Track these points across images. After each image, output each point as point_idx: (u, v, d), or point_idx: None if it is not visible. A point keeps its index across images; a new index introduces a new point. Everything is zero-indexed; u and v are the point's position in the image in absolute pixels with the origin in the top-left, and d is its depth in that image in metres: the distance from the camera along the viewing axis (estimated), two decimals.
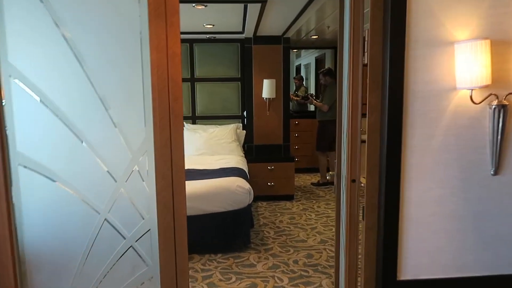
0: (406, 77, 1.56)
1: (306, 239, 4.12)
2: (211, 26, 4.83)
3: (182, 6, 3.85)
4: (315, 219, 4.72)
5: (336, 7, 4.61)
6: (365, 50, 1.67)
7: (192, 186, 3.73)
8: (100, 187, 1.65)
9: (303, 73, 8.87)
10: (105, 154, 1.63)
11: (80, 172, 1.63)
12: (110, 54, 1.58)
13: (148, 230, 1.70)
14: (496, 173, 1.65)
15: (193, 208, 3.65)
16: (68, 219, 1.66)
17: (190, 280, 2.42)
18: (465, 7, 1.55)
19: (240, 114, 5.77)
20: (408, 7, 1.52)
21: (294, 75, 8.57)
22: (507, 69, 1.60)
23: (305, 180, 6.68)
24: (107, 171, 1.65)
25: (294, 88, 7.97)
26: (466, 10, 1.56)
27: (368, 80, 1.62)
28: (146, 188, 1.67)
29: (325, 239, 4.12)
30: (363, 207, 1.93)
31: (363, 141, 1.74)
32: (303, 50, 8.60)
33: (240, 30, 5.16)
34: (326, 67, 7.36)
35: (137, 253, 1.71)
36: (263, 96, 5.41)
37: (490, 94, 1.60)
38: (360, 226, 1.94)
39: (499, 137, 1.59)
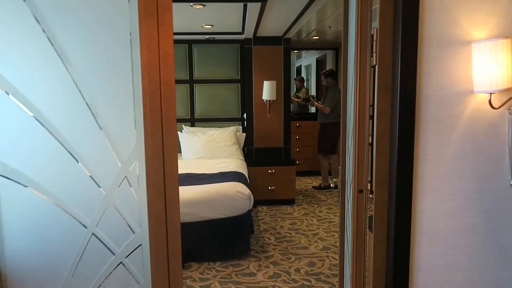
0: (419, 80, 1.44)
1: (307, 245, 3.99)
2: (210, 26, 4.70)
3: (179, 6, 3.75)
4: (317, 225, 4.59)
5: (339, 7, 4.50)
6: (373, 51, 1.54)
7: (190, 192, 3.61)
8: (86, 199, 1.53)
9: (303, 75, 8.75)
10: (92, 163, 1.51)
11: (65, 182, 1.51)
12: (98, 56, 1.45)
13: (139, 245, 1.57)
14: None
15: (191, 214, 3.53)
16: (52, 234, 1.54)
17: None
18: (484, 3, 1.43)
19: (240, 116, 5.65)
20: (421, 3, 1.40)
21: (295, 76, 8.45)
22: None
23: (306, 183, 6.55)
24: (95, 182, 1.53)
25: (295, 89, 7.84)
26: (485, 7, 1.44)
27: (376, 83, 1.50)
28: (137, 200, 1.54)
29: (328, 245, 3.99)
30: (369, 216, 1.81)
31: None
32: (304, 51, 8.47)
33: (240, 30, 5.04)
34: (327, 68, 7.24)
35: (128, 269, 1.58)
36: (263, 98, 5.29)
37: (511, 98, 1.48)
38: (366, 237, 1.81)
39: None
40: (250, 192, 3.77)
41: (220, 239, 3.63)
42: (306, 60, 8.83)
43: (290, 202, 5.36)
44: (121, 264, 1.58)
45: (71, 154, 1.49)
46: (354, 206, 1.70)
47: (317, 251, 3.86)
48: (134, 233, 1.56)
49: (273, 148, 5.49)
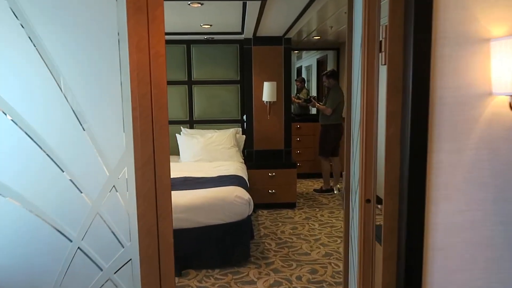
0: (433, 81, 1.32)
1: (309, 251, 3.87)
2: (209, 26, 4.59)
3: (176, 5, 3.63)
4: (319, 229, 4.47)
5: (340, 6, 4.39)
6: (382, 49, 1.42)
7: (187, 197, 3.49)
8: (71, 211, 1.41)
9: (304, 76, 8.64)
10: (77, 172, 1.39)
11: (48, 193, 1.39)
12: (83, 57, 1.34)
13: (129, 260, 1.45)
14: None
15: (188, 220, 3.41)
16: (35, 248, 1.42)
17: None
18: None
19: (239, 118, 5.53)
20: None
21: (295, 77, 8.34)
22: None
23: (307, 186, 6.43)
24: (80, 191, 1.41)
25: (296, 90, 7.73)
26: (504, 1, 1.32)
27: (386, 83, 1.38)
28: (126, 211, 1.43)
29: (330, 251, 3.87)
30: (377, 225, 1.69)
31: None
32: (304, 51, 8.36)
33: (239, 30, 4.93)
34: (328, 69, 7.13)
35: (116, 286, 1.46)
36: (263, 99, 5.17)
37: None
38: (374, 249, 1.69)
39: None
40: (250, 197, 3.65)
41: (219, 245, 3.51)
42: (307, 61, 8.72)
43: (291, 205, 5.25)
44: (109, 281, 1.46)
45: (54, 161, 1.37)
46: (361, 216, 1.58)
47: (319, 257, 3.74)
48: (123, 247, 1.44)
49: (273, 151, 5.38)
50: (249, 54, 5.20)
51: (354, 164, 2.03)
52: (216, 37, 5.17)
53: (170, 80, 5.33)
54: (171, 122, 5.41)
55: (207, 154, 5.02)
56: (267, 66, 5.22)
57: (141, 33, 1.31)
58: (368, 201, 1.55)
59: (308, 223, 4.68)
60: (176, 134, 5.29)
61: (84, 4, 1.31)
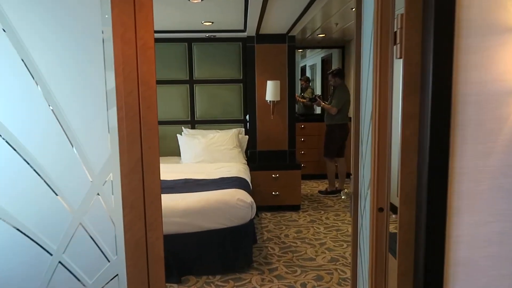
0: (455, 76, 1.17)
1: (314, 257, 3.72)
2: (210, 23, 4.45)
3: (176, 0, 3.51)
4: (324, 233, 4.32)
5: (346, 2, 4.23)
6: (397, 41, 1.27)
7: (187, 200, 3.35)
8: (51, 222, 1.27)
9: (308, 75, 8.47)
10: (57, 178, 1.25)
11: (24, 201, 1.25)
12: (62, 50, 1.19)
13: (115, 276, 1.31)
14: None
15: (188, 224, 3.27)
16: (12, 262, 1.28)
17: None
18: None
19: (242, 118, 5.38)
20: None
21: (300, 76, 8.18)
22: None
23: (312, 187, 6.28)
24: (60, 200, 1.27)
25: (300, 90, 7.58)
26: None
27: (402, 80, 1.23)
28: (112, 222, 1.28)
29: (336, 257, 3.71)
30: (391, 233, 1.53)
31: None
32: (309, 50, 8.20)
33: (242, 28, 4.78)
34: (333, 67, 6.97)
35: None
36: (266, 98, 5.03)
37: None
38: (387, 261, 1.54)
39: None
40: (252, 200, 3.50)
41: (220, 250, 3.37)
42: (311, 60, 8.56)
43: (295, 208, 5.10)
44: None
45: (31, 166, 1.23)
46: (373, 226, 1.43)
47: (325, 263, 3.59)
48: (109, 261, 1.30)
49: (277, 151, 5.23)
50: (252, 52, 5.05)
51: (364, 168, 1.88)
52: (218, 35, 5.03)
53: (171, 79, 5.21)
54: (172, 123, 5.31)
55: (208, 155, 4.88)
56: (270, 65, 5.08)
57: (127, 23, 1.17)
58: (380, 209, 1.40)
59: (313, 226, 4.53)
60: (177, 135, 5.16)
61: None
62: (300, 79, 7.86)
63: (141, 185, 1.23)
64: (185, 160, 4.97)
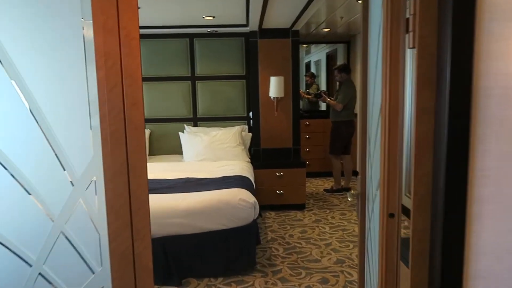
0: (476, 67, 1.04)
1: (319, 258, 3.60)
2: (211, 18, 4.33)
3: None
4: (330, 233, 4.20)
5: None
6: (409, 29, 1.14)
7: (188, 200, 3.24)
8: (30, 229, 1.17)
9: (313, 71, 8.33)
10: (35, 181, 1.14)
11: (1, 209, 1.14)
12: (38, 40, 1.08)
13: None
14: None
15: (189, 225, 3.16)
16: None
17: None
18: None
19: (245, 115, 5.26)
20: None
21: (304, 71, 8.05)
22: None
23: (317, 185, 6.15)
24: (40, 207, 1.16)
25: (305, 86, 7.44)
26: None
27: (415, 72, 1.10)
28: (96, 231, 1.17)
29: (342, 258, 3.59)
30: (403, 238, 1.41)
31: None
32: (313, 45, 8.06)
33: (244, 22, 4.66)
34: (338, 63, 6.83)
35: None
36: (270, 95, 4.90)
37: None
38: (399, 270, 1.41)
39: None
40: (255, 200, 3.39)
41: (222, 252, 3.26)
42: (316, 55, 8.41)
43: (300, 207, 4.98)
44: None
45: (7, 170, 1.12)
46: (382, 233, 1.30)
47: (331, 264, 3.47)
48: (93, 273, 1.19)
49: (281, 149, 5.11)
50: (255, 47, 4.93)
51: (371, 168, 1.76)
52: (220, 30, 4.90)
53: (173, 75, 5.10)
54: (174, 120, 5.20)
55: (211, 153, 4.77)
56: (274, 60, 4.95)
57: (108, 11, 1.05)
58: (391, 215, 1.27)
59: (318, 226, 4.41)
60: (179, 133, 5.05)
61: None
62: (305, 75, 7.73)
63: (126, 190, 1.12)
64: (187, 158, 4.86)
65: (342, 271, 3.34)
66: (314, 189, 5.96)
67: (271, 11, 3.92)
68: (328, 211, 4.93)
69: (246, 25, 4.74)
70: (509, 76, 1.05)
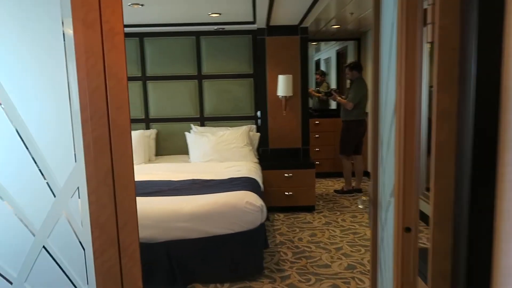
0: (506, 63, 0.91)
1: (330, 263, 3.47)
2: (218, 15, 4.22)
3: None
4: (340, 237, 4.06)
5: None
6: (428, 20, 1.02)
7: (193, 204, 3.14)
8: (10, 244, 1.07)
9: (323, 69, 8.16)
10: (14, 193, 1.04)
11: None
12: (13, 38, 0.98)
13: None
14: None
15: (194, 230, 3.06)
16: None
17: None
18: None
19: (253, 114, 5.14)
20: None
21: (313, 69, 7.89)
22: None
23: (327, 186, 6.01)
24: (20, 220, 1.06)
25: (315, 84, 7.29)
26: None
27: (436, 70, 0.97)
28: (81, 246, 1.07)
29: (353, 263, 3.45)
30: (420, 249, 1.28)
31: None
32: (323, 43, 7.89)
33: (251, 19, 4.54)
34: (348, 60, 6.67)
35: None
36: (278, 94, 4.78)
37: None
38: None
39: None
40: (263, 203, 3.27)
41: (228, 257, 3.15)
42: (326, 53, 8.25)
43: (310, 209, 4.84)
44: None
45: None
46: (398, 248, 1.18)
47: (341, 270, 3.34)
48: None
49: (290, 149, 4.99)
50: (263, 45, 4.80)
51: (384, 173, 1.63)
52: (226, 27, 4.79)
53: (179, 74, 5.01)
54: (180, 120, 5.11)
55: (218, 153, 4.67)
56: (282, 58, 4.82)
57: (89, 3, 0.94)
58: (407, 229, 1.15)
59: (328, 229, 4.27)
60: (186, 133, 4.96)
61: None
62: (315, 73, 7.58)
63: (112, 202, 1.01)
64: (193, 159, 4.77)
65: (353, 278, 3.20)
66: (324, 190, 5.82)
67: (279, 7, 3.79)
68: (338, 213, 4.79)
69: (253, 22, 4.62)
70: None
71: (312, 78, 7.46)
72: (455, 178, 0.99)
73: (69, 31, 0.97)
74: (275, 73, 4.79)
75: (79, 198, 1.04)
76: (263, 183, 4.33)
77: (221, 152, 4.68)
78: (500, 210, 0.95)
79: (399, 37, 1.09)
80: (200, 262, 3.11)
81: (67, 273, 1.08)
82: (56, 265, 1.08)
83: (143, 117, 5.10)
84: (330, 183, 6.15)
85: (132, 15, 4.16)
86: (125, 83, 0.97)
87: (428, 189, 1.24)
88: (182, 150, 5.04)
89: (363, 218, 4.56)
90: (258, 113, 5.02)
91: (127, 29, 4.74)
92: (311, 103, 6.44)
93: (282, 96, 4.77)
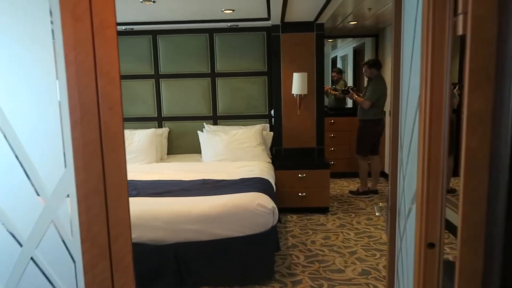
0: None
1: (343, 268, 3.34)
2: (231, 11, 4.12)
3: None
4: (355, 240, 3.92)
5: None
6: (459, 10, 0.89)
7: (203, 205, 3.06)
8: None
9: (339, 67, 7.99)
10: (1, 201, 0.96)
11: None
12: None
13: None
14: None
15: (203, 232, 2.98)
16: None
17: None
18: None
19: (267, 113, 5.04)
20: None
21: (329, 67, 7.73)
22: None
23: (342, 187, 5.86)
24: (6, 229, 0.98)
25: (331, 82, 7.14)
26: None
27: (467, 66, 0.85)
28: (71, 258, 0.99)
29: (367, 268, 3.32)
30: (444, 260, 1.16)
31: None
32: (339, 40, 7.73)
33: (266, 16, 4.43)
34: (365, 58, 6.50)
35: None
36: (293, 92, 4.66)
37: None
38: None
39: None
40: (275, 206, 3.16)
41: (238, 260, 3.06)
42: (342, 51, 8.08)
43: (324, 210, 4.72)
44: None
45: None
46: (419, 265, 1.06)
47: (355, 276, 3.21)
48: None
49: (304, 149, 4.86)
50: (277, 42, 4.69)
51: (404, 180, 1.50)
52: (240, 24, 4.69)
53: (192, 72, 4.94)
54: (193, 118, 5.04)
55: (230, 153, 4.58)
56: (297, 55, 4.70)
57: None
58: (431, 245, 1.03)
59: (342, 232, 4.14)
60: (198, 131, 4.89)
61: None
62: (332, 71, 7.42)
63: (103, 212, 0.92)
64: (205, 158, 4.69)
65: (367, 284, 3.07)
66: (338, 190, 5.68)
67: (294, 3, 3.67)
68: (353, 215, 4.65)
69: (267, 19, 4.51)
70: None
71: (328, 76, 7.31)
72: (488, 190, 0.87)
73: (58, 25, 0.89)
74: (290, 70, 4.67)
75: (69, 206, 0.96)
76: (276, 183, 4.23)
77: (233, 151, 4.59)
78: None
79: (424, 30, 0.97)
80: (209, 265, 3.03)
81: (56, 286, 1.00)
82: (44, 278, 1.00)
83: (156, 115, 5.06)
84: (345, 184, 6.00)
85: (144, 12, 4.10)
86: (118, 82, 0.88)
87: (449, 191, 1.12)
88: (194, 149, 4.97)
89: (379, 221, 4.41)
90: (272, 112, 4.92)
91: (139, 27, 4.73)
92: (326, 101, 6.29)
93: (296, 94, 4.65)
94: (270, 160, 4.68)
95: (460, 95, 2.59)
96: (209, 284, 3.07)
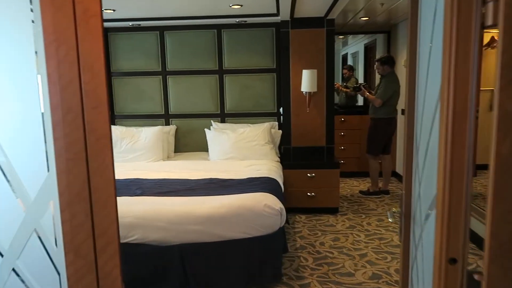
0: None
1: (353, 271, 3.24)
2: (239, 6, 4.02)
3: None
4: (365, 242, 3.81)
5: None
6: (487, 0, 0.79)
7: (208, 205, 2.98)
8: None
9: (350, 63, 7.84)
10: None
11: None
12: None
13: None
14: None
15: (208, 233, 2.90)
16: None
17: None
18: None
19: (275, 111, 4.94)
20: None
21: (340, 63, 7.59)
22: None
23: (352, 186, 5.74)
24: None
25: (342, 80, 7.00)
26: None
27: (499, 62, 0.75)
28: (55, 270, 0.91)
29: (378, 272, 3.21)
30: (467, 271, 1.05)
31: None
32: (350, 37, 7.57)
33: (274, 11, 4.32)
34: (377, 55, 6.35)
35: None
36: (302, 89, 4.54)
37: None
38: None
39: None
40: (282, 207, 3.07)
41: (244, 262, 2.97)
42: (353, 47, 7.92)
43: (333, 211, 4.61)
44: None
45: None
46: (439, 283, 0.95)
47: (365, 280, 3.10)
48: None
49: (313, 148, 4.75)
50: (286, 38, 4.57)
51: (420, 184, 1.40)
52: (248, 20, 4.59)
53: (199, 69, 4.85)
54: (200, 116, 4.97)
55: (238, 151, 4.49)
56: (306, 52, 4.58)
57: None
58: (453, 261, 0.92)
59: (352, 233, 4.03)
60: (205, 129, 4.81)
61: None
62: (343, 68, 7.28)
63: (89, 221, 0.84)
64: (212, 156, 4.61)
65: None
66: (348, 190, 5.56)
67: None
68: (363, 216, 4.53)
69: (276, 15, 4.40)
70: None
71: (339, 73, 7.17)
72: None
73: (38, 14, 0.80)
74: (299, 67, 4.56)
75: (53, 213, 0.88)
76: (284, 182, 4.13)
77: (241, 150, 4.50)
78: None
79: (448, 21, 0.86)
80: (214, 267, 2.95)
81: None
82: None
83: (163, 112, 4.99)
84: (355, 183, 5.87)
85: (152, 7, 4.02)
86: (103, 78, 0.79)
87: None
88: (201, 147, 4.90)
89: (390, 223, 4.28)
90: (281, 110, 4.81)
91: (146, 22, 4.66)
92: (336, 99, 6.17)
93: (306, 92, 4.54)
94: (279, 159, 4.59)
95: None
96: (214, 286, 2.99)
